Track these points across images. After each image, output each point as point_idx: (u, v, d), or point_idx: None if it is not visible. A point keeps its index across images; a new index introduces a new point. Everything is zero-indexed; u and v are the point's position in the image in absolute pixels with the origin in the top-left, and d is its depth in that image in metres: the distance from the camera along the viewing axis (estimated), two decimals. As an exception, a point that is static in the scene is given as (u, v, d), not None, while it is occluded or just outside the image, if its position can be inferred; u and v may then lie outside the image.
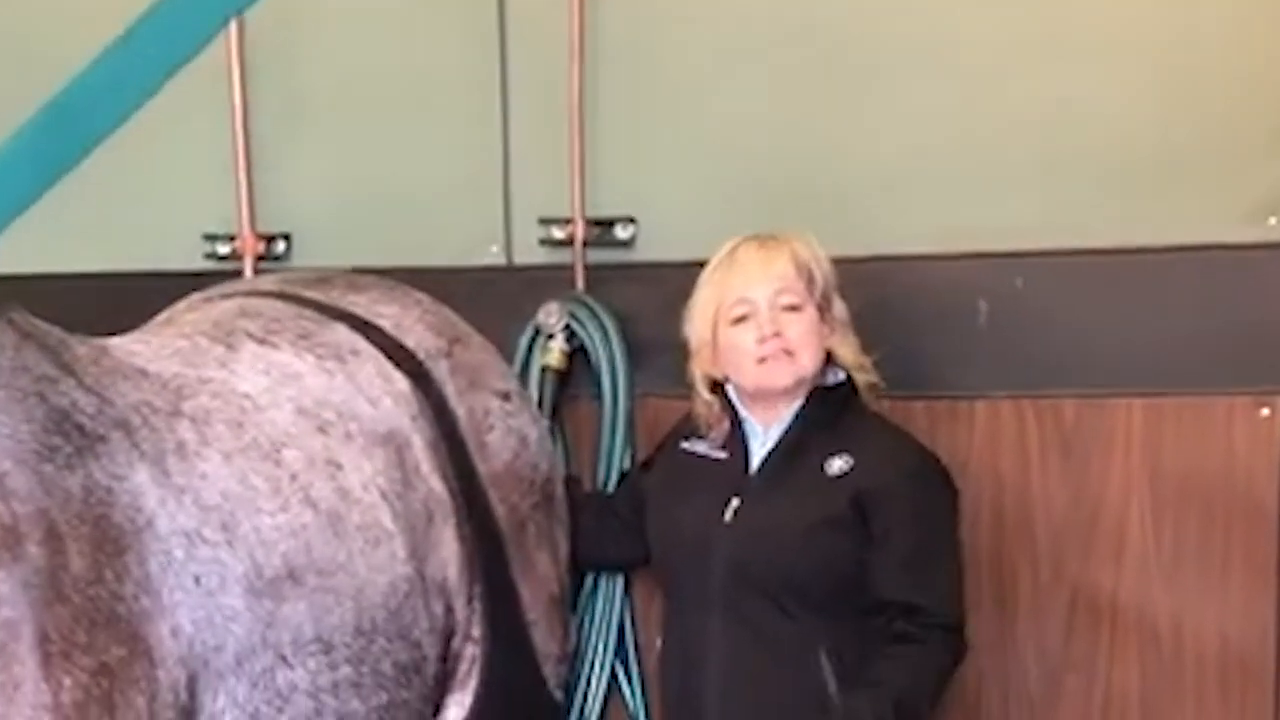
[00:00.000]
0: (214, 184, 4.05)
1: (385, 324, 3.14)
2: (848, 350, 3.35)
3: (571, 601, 3.55)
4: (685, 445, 3.44)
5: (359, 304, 3.17)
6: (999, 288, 3.60)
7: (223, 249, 4.06)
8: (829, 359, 3.33)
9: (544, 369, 3.75)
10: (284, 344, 2.97)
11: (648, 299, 3.62)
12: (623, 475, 3.70)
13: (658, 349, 3.57)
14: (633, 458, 3.72)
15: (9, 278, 4.02)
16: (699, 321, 3.35)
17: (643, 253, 3.85)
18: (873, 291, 3.54)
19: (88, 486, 2.50)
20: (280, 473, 2.77)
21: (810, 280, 3.28)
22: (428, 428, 3.05)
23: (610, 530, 3.54)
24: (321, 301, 3.15)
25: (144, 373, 2.74)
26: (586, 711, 3.69)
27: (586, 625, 3.71)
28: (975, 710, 3.62)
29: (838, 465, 3.26)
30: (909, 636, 3.17)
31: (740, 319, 3.28)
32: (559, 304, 3.75)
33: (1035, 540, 3.60)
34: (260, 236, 4.04)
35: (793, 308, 3.27)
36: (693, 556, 3.30)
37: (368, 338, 3.08)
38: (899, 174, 3.65)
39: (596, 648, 3.72)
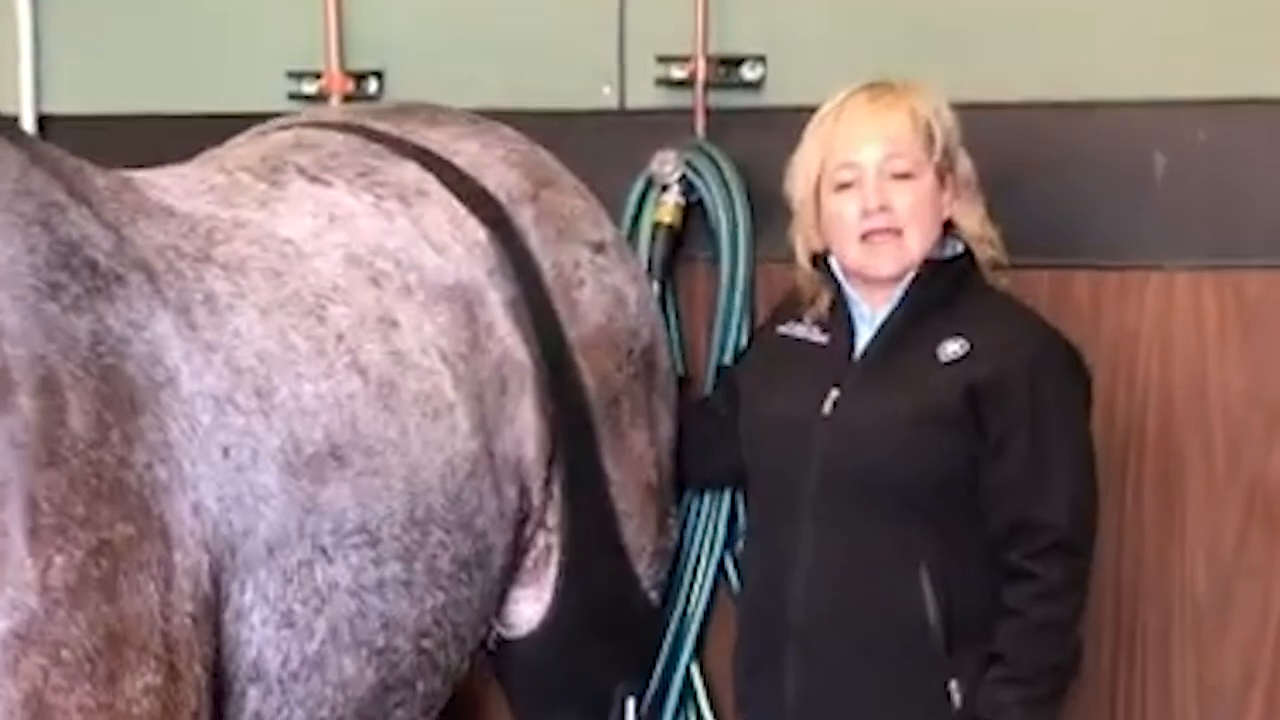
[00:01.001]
0: (299, 14, 3.67)
1: (462, 162, 2.75)
2: (971, 219, 2.90)
3: (675, 492, 3.11)
4: (782, 329, 3.02)
5: (436, 140, 2.77)
6: (1177, 141, 3.16)
7: (308, 88, 3.67)
8: (948, 228, 2.88)
9: (656, 225, 3.34)
10: (339, 181, 2.58)
11: (777, 149, 3.08)
12: (739, 353, 3.26)
13: (787, 208, 3.06)
14: (752, 332, 3.30)
15: (82, 118, 3.73)
16: (801, 181, 2.92)
17: (772, 96, 3.41)
18: (1026, 145, 3.13)
19: (96, 332, 2.14)
20: (325, 331, 2.40)
21: (929, 140, 2.83)
22: (506, 282, 2.66)
23: (709, 436, 3.11)
24: (392, 135, 2.75)
25: (171, 212, 2.37)
26: (689, 614, 3.27)
27: (692, 516, 3.30)
28: (1133, 621, 3.16)
29: (952, 349, 2.81)
30: (1025, 573, 2.73)
31: (845, 185, 2.85)
32: (676, 152, 3.33)
33: (1210, 432, 3.17)
34: (349, 74, 3.65)
35: (905, 175, 2.83)
36: (785, 454, 2.88)
37: (440, 177, 2.69)
38: (1062, 4, 3.18)
39: (703, 543, 3.30)
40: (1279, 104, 3.09)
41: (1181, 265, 3.18)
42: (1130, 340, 3.19)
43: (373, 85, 3.67)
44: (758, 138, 3.33)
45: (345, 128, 2.77)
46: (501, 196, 2.74)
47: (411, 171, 2.69)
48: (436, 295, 2.55)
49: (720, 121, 3.42)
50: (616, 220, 3.26)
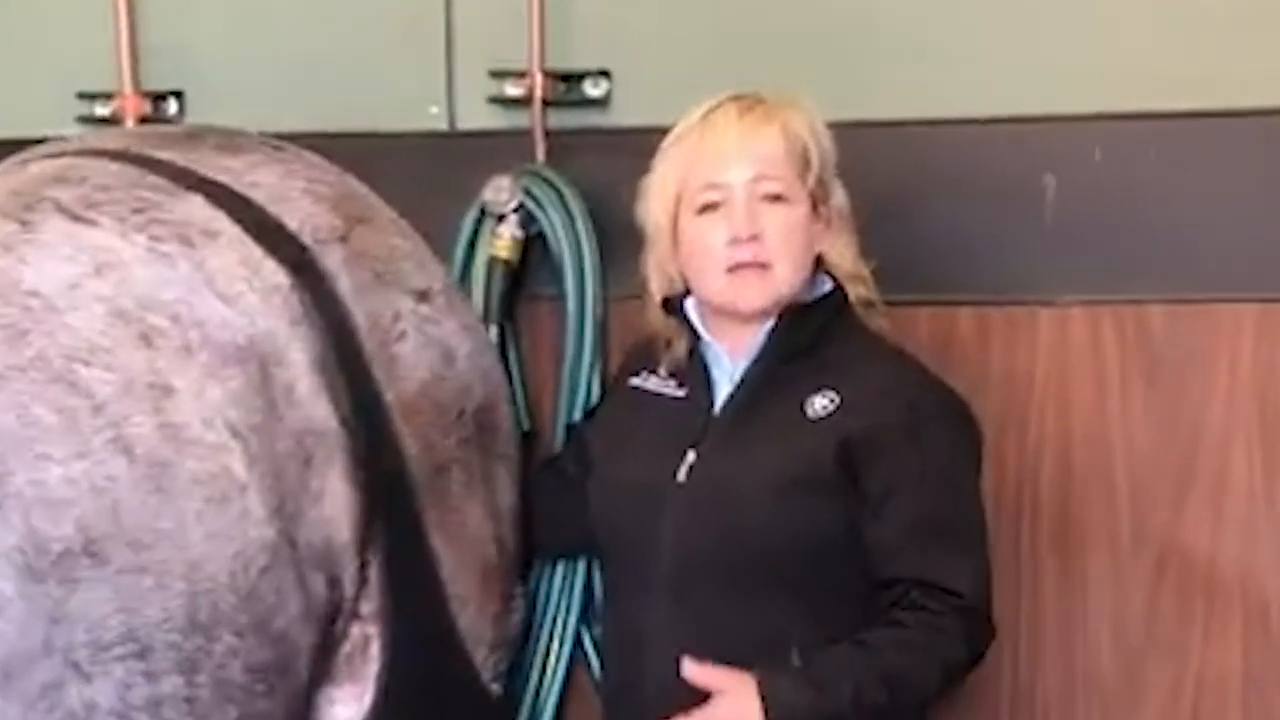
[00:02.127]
0: (91, 29, 3.26)
1: (259, 196, 2.36)
2: (844, 254, 2.58)
3: (521, 567, 2.74)
4: (635, 380, 2.67)
5: (230, 169, 2.39)
6: (1070, 160, 2.82)
7: (101, 110, 3.26)
8: (817, 264, 2.55)
9: (492, 260, 2.95)
10: (107, 220, 2.19)
11: (625, 173, 2.73)
12: (590, 406, 2.89)
13: (639, 237, 2.70)
14: (604, 381, 2.93)
15: None
16: (657, 203, 2.57)
17: (619, 115, 3.05)
18: (901, 167, 2.82)
19: None
20: (78, 402, 2.01)
21: (805, 164, 2.51)
22: (311, 336, 2.27)
23: (559, 502, 2.73)
24: (176, 164, 2.36)
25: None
26: (541, 704, 2.88)
27: (543, 591, 2.93)
28: (1031, 701, 2.83)
29: (821, 404, 2.48)
30: (918, 607, 2.39)
31: (709, 207, 2.51)
32: (511, 178, 2.94)
33: (1114, 488, 2.83)
34: (145, 94, 3.24)
35: (777, 198, 2.49)
36: (637, 525, 2.53)
37: (232, 214, 2.29)
38: (941, 13, 2.87)
39: (556, 622, 2.93)
40: (1182, 118, 2.77)
41: (1076, 299, 2.85)
42: (1022, 385, 2.86)
43: (172, 107, 3.27)
44: (604, 161, 2.99)
45: (121, 156, 2.37)
46: (305, 235, 2.35)
47: (198, 207, 2.29)
48: (224, 355, 2.16)
49: (561, 143, 3.06)
50: (447, 256, 2.91)
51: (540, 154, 3.04)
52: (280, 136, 2.91)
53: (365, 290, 2.39)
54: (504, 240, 2.96)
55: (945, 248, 2.86)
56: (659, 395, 2.62)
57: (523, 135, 3.06)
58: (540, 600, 2.91)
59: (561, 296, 2.97)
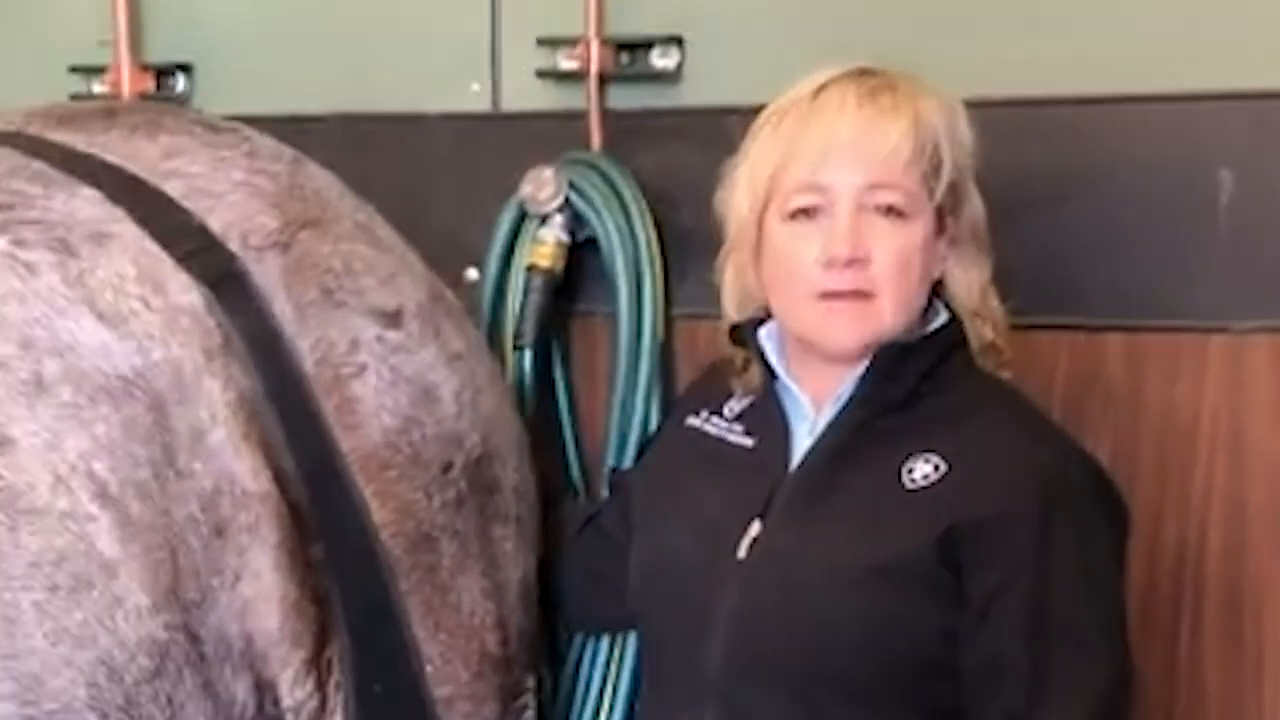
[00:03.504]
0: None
1: (177, 188, 1.87)
2: (968, 283, 2.03)
3: (530, 653, 2.18)
4: (694, 420, 2.13)
5: (144, 155, 1.87)
6: (1253, 150, 2.22)
7: (97, 86, 2.81)
8: (934, 291, 1.99)
9: (530, 269, 2.37)
10: None
11: (698, 164, 2.20)
12: (643, 448, 2.34)
13: (712, 241, 2.16)
14: (665, 416, 2.36)
15: None
16: (742, 196, 2.03)
17: (692, 92, 2.50)
18: (1035, 157, 2.26)
19: None
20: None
21: (935, 170, 1.95)
22: (234, 370, 1.73)
23: (598, 567, 2.21)
24: (74, 149, 1.87)
25: None
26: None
27: (585, 673, 2.38)
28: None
29: (921, 472, 1.92)
30: None
31: (803, 212, 1.96)
32: (555, 170, 2.37)
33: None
34: (147, 69, 2.78)
35: (893, 211, 1.93)
36: (683, 610, 2.00)
37: (135, 213, 1.75)
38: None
39: (600, 708, 2.37)
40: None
41: (1257, 324, 2.24)
42: (1185, 430, 2.27)
43: (179, 83, 2.81)
44: (672, 149, 2.47)
45: (8, 139, 1.83)
46: (233, 240, 1.83)
47: (89, 204, 1.79)
48: (97, 391, 1.65)
49: (622, 127, 2.52)
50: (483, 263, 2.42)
51: (595, 140, 2.52)
52: (299, 119, 2.55)
53: (311, 311, 1.87)
54: (546, 245, 2.42)
55: (1090, 259, 2.29)
56: (721, 442, 2.09)
57: (577, 118, 2.49)
58: (580, 683, 2.37)
59: (615, 314, 2.37)
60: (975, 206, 2.01)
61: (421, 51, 2.62)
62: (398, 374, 1.92)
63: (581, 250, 2.48)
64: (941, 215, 1.98)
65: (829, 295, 1.94)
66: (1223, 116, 2.23)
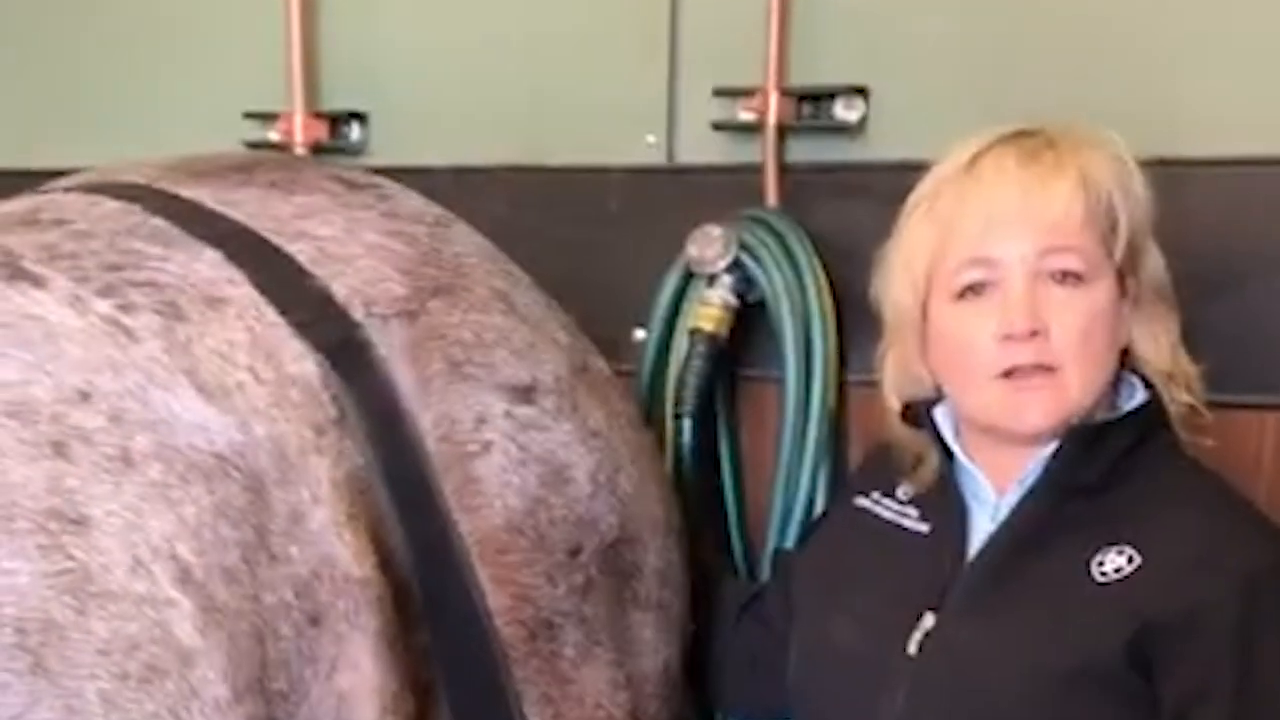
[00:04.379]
0: (264, 42, 2.72)
1: (305, 251, 1.76)
2: (1156, 345, 1.85)
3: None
4: (864, 501, 1.98)
5: (277, 212, 1.77)
6: None
7: (272, 134, 2.73)
8: (1121, 362, 1.82)
9: (694, 332, 2.22)
10: (60, 279, 1.61)
11: (881, 222, 2.01)
12: (808, 529, 2.18)
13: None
14: (834, 492, 2.22)
15: (27, 173, 2.81)
16: (900, 284, 1.89)
17: (878, 146, 2.36)
18: (1235, 221, 2.09)
19: None
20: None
21: (1111, 228, 1.79)
22: (346, 447, 1.62)
23: (755, 652, 2.07)
24: (202, 206, 1.78)
25: None
26: None
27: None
28: None
29: (1113, 565, 1.74)
30: None
31: (971, 290, 1.81)
32: (724, 228, 2.24)
33: None
34: (321, 116, 2.71)
35: (1070, 277, 1.78)
36: (847, 709, 1.85)
37: (255, 276, 1.65)
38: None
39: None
40: None
41: None
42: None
43: (354, 131, 2.73)
44: (854, 205, 2.32)
45: (133, 191, 1.78)
46: (356, 308, 1.71)
47: (207, 265, 1.69)
48: (189, 470, 1.55)
49: (801, 182, 2.39)
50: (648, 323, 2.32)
51: (772, 195, 2.37)
52: (473, 169, 2.51)
53: (436, 384, 1.75)
54: (712, 307, 2.30)
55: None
56: (894, 527, 1.94)
57: (754, 171, 2.36)
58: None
59: (784, 382, 2.23)
60: (1156, 261, 1.85)
61: (597, 102, 2.52)
62: (526, 452, 1.79)
63: (753, 312, 2.33)
64: (1122, 276, 1.80)
65: (1012, 373, 1.78)
66: None
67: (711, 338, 2.27)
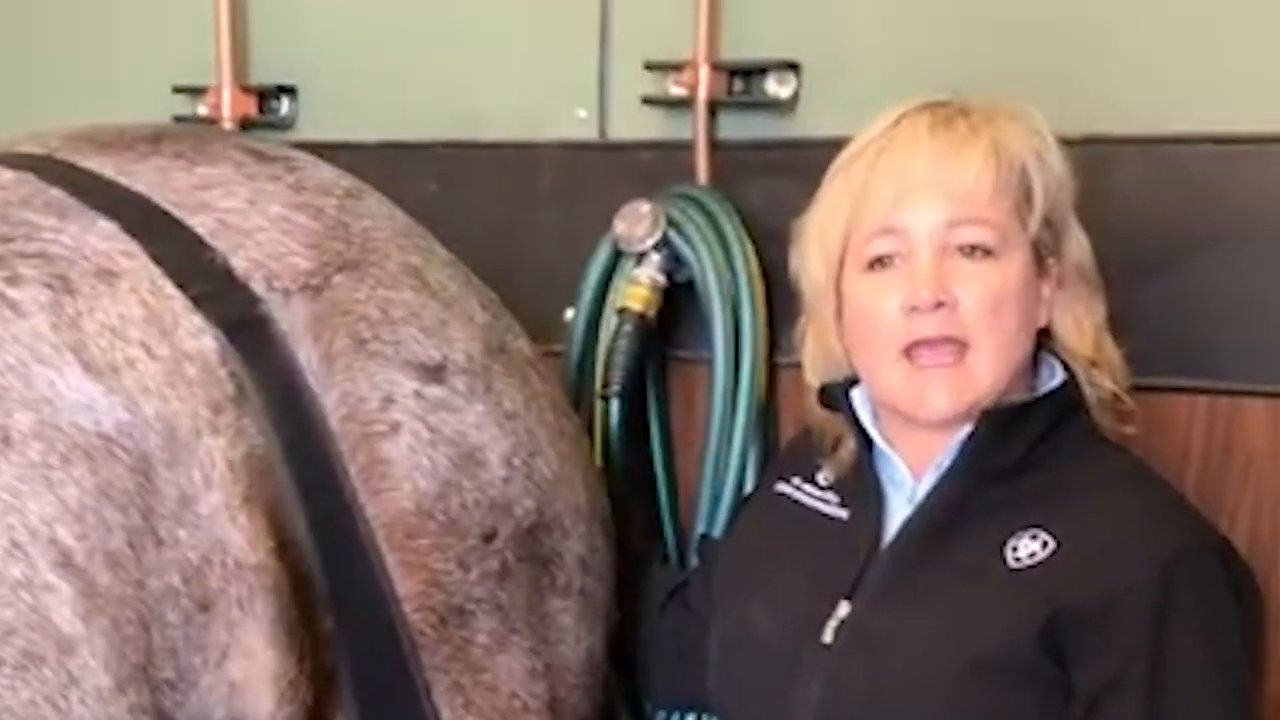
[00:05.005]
0: (193, 15, 2.67)
1: (206, 223, 1.71)
2: (1079, 328, 1.82)
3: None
4: (784, 487, 1.94)
5: (180, 184, 1.74)
6: None
7: (201, 109, 2.69)
8: (1040, 341, 1.79)
9: (622, 312, 2.18)
10: None
11: (810, 201, 1.95)
12: (739, 507, 2.14)
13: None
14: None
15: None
16: (815, 257, 1.85)
17: (810, 122, 2.30)
18: (1167, 202, 2.04)
19: None
20: None
21: (1025, 200, 1.76)
22: (244, 426, 1.58)
23: (681, 641, 2.03)
24: (101, 176, 1.74)
25: None
26: None
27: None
28: None
29: (1027, 550, 1.71)
30: None
31: (880, 262, 1.78)
32: (651, 205, 2.18)
33: None
34: (250, 91, 2.66)
35: (979, 250, 1.75)
36: (761, 698, 1.81)
37: (151, 248, 1.60)
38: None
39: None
40: None
41: None
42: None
43: (283, 106, 2.68)
44: (786, 183, 2.23)
45: (34, 162, 1.74)
46: (257, 282, 1.66)
47: (101, 237, 1.64)
48: (71, 450, 1.49)
49: (733, 160, 2.34)
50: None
51: (703, 172, 2.33)
52: (404, 145, 2.48)
53: (340, 362, 1.71)
54: (640, 286, 2.25)
55: (1231, 316, 2.06)
56: (813, 512, 1.91)
57: (685, 148, 2.33)
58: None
59: (711, 361, 2.19)
60: (1080, 242, 1.81)
61: (528, 76, 2.47)
62: (437, 434, 1.75)
63: (684, 292, 2.29)
64: (1041, 255, 1.76)
65: (915, 346, 1.74)
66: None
67: (640, 317, 2.23)
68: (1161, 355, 2.01)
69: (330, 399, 1.71)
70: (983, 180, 1.74)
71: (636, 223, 2.23)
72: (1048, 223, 1.77)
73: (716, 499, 2.20)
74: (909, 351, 1.76)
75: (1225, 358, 2.04)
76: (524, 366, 1.90)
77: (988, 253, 1.75)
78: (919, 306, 1.73)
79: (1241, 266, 2.03)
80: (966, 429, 1.77)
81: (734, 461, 2.20)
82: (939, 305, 1.73)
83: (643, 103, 2.37)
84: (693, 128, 2.33)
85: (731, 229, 2.23)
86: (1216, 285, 2.04)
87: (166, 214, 1.72)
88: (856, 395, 1.85)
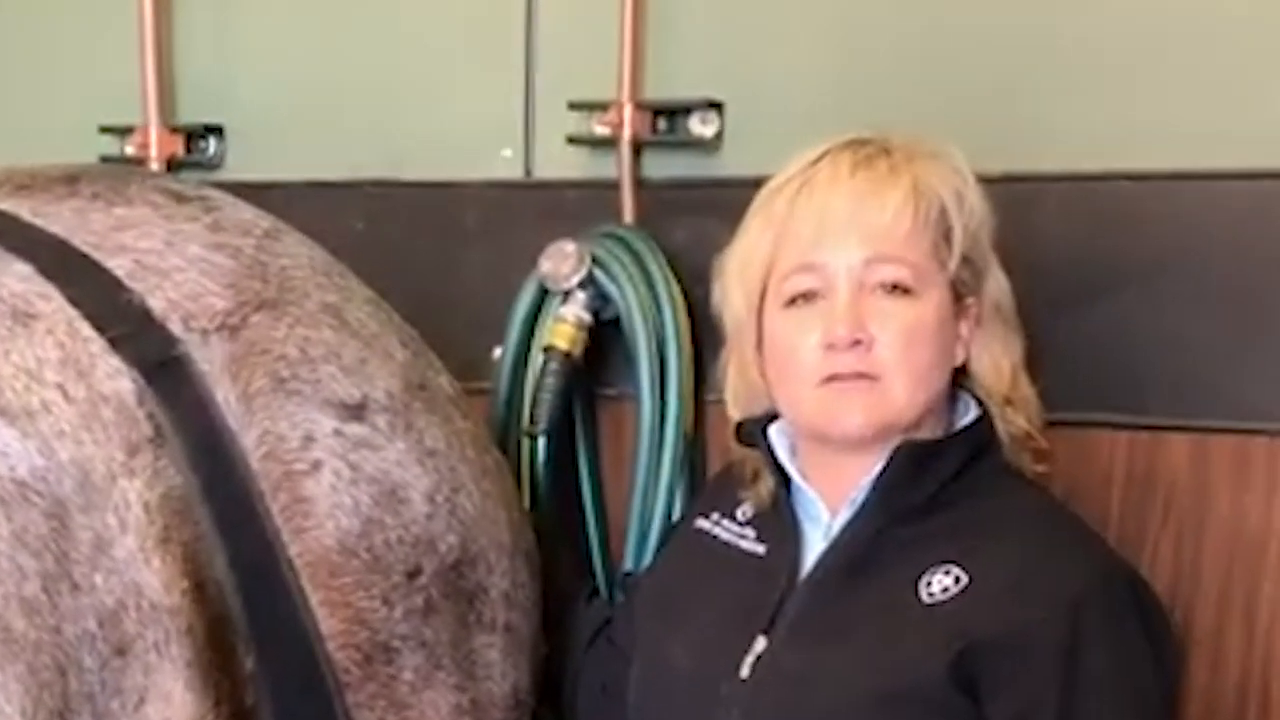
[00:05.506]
0: (119, 54, 2.67)
1: (124, 265, 1.72)
2: (996, 367, 1.84)
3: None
4: (704, 523, 1.96)
5: (97, 225, 1.75)
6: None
7: (128, 148, 2.68)
8: (957, 378, 1.82)
9: (547, 350, 2.18)
10: None
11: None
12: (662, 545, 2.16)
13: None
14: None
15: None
16: (735, 289, 1.87)
17: (733, 161, 2.32)
18: (1089, 239, 2.07)
19: None
20: None
21: (944, 239, 1.78)
22: (161, 468, 1.58)
23: (606, 677, 2.03)
24: (18, 218, 1.74)
25: None
26: None
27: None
28: None
29: (940, 585, 1.73)
30: None
31: (801, 298, 1.80)
32: (577, 244, 2.20)
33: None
34: (177, 130, 2.66)
35: (899, 289, 1.77)
36: None
37: (68, 289, 1.61)
38: (1157, 36, 2.08)
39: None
40: None
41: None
42: (1255, 545, 2.04)
43: (211, 146, 2.68)
44: (709, 222, 2.21)
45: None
46: (174, 322, 1.66)
47: (17, 279, 1.62)
48: None
49: (658, 199, 2.36)
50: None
51: (628, 210, 2.35)
52: (331, 184, 2.49)
53: (259, 401, 1.71)
54: (565, 324, 2.26)
55: (1152, 352, 2.08)
56: (731, 548, 1.92)
57: (610, 187, 2.35)
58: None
59: (637, 398, 2.20)
60: (999, 282, 1.84)
61: (454, 116, 2.48)
62: (358, 472, 1.75)
63: (611, 329, 2.30)
64: (959, 294, 1.78)
65: (831, 379, 1.76)
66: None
67: (566, 355, 2.24)
68: (1083, 390, 2.04)
69: (250, 438, 1.70)
70: (902, 220, 1.76)
71: (562, 261, 2.24)
72: (966, 261, 1.79)
73: (644, 533, 2.21)
74: (825, 382, 1.76)
75: (1146, 392, 2.05)
76: (445, 403, 1.91)
77: (905, 291, 1.77)
78: (836, 344, 1.75)
79: (1159, 301, 2.04)
80: (880, 464, 1.77)
81: (661, 496, 2.21)
82: (855, 343, 1.75)
83: (568, 142, 2.37)
84: (618, 167, 2.33)
85: (657, 267, 2.24)
86: (1136, 320, 2.05)
87: (84, 256, 1.72)
88: (774, 431, 1.86)
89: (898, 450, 1.77)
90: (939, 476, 1.78)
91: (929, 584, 1.73)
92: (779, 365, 1.81)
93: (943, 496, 1.78)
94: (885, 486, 1.78)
